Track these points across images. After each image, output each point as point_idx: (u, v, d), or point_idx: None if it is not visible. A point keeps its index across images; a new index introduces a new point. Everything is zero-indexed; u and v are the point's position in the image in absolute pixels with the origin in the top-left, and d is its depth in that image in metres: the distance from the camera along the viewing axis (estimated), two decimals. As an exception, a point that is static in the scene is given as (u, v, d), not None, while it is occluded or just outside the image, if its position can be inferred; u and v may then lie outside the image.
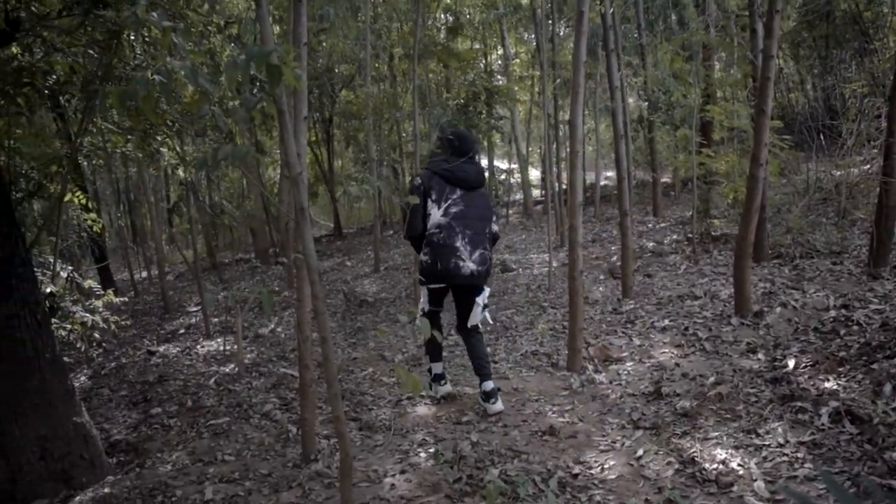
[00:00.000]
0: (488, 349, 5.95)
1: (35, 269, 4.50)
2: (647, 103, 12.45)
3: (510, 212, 16.48)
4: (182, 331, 8.85)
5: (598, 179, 15.55)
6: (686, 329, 5.82)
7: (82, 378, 6.52)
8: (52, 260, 4.87)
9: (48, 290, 4.44)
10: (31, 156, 4.42)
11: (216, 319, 9.01)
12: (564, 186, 12.83)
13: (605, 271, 8.58)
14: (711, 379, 4.61)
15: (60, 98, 5.13)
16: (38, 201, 4.71)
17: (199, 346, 7.68)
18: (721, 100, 11.37)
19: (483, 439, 4.03)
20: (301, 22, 3.63)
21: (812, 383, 4.25)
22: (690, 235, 9.87)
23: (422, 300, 4.61)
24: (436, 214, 4.41)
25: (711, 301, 6.48)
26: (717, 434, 3.76)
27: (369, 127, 13.51)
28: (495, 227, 4.69)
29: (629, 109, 13.82)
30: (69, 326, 5.00)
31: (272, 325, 8.29)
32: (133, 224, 21.82)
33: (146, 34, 4.49)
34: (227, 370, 6.41)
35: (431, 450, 3.94)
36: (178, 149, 5.32)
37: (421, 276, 4.52)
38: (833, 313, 5.62)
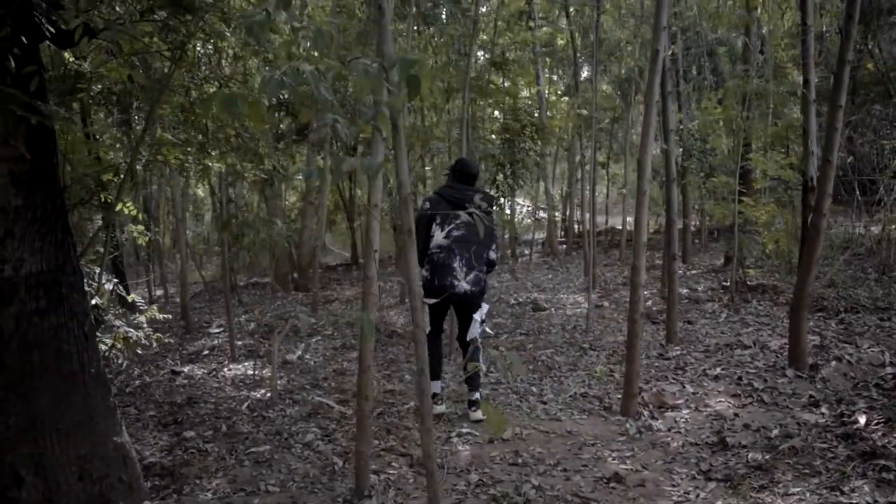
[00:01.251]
0: (533, 388, 5.78)
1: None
2: (681, 150, 12.33)
3: (531, 251, 16.28)
4: (206, 352, 8.65)
5: (626, 224, 15.36)
6: (740, 379, 5.62)
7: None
8: (97, 271, 4.68)
9: (93, 302, 4.26)
10: (83, 163, 4.28)
11: (240, 343, 8.81)
12: (587, 228, 12.68)
13: (641, 315, 8.36)
14: (776, 431, 4.42)
15: (113, 107, 5.04)
16: (87, 210, 4.54)
17: (225, 369, 7.47)
18: (756, 150, 11.27)
19: (545, 483, 3.83)
20: (387, 40, 3.50)
21: (887, 441, 4.06)
22: (726, 283, 9.69)
23: (426, 326, 4.66)
24: (438, 236, 4.90)
25: (762, 351, 6.28)
26: (798, 490, 3.57)
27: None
28: (493, 255, 5.09)
29: (655, 155, 13.71)
30: (110, 341, 4.82)
31: (300, 352, 8.08)
32: (149, 241, 21.74)
33: (211, 45, 4.38)
34: (259, 396, 6.20)
35: (491, 492, 3.73)
36: (239, 164, 5.15)
37: (424, 294, 4.71)
38: (891, 370, 5.46)
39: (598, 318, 8.53)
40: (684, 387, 5.56)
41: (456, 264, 4.82)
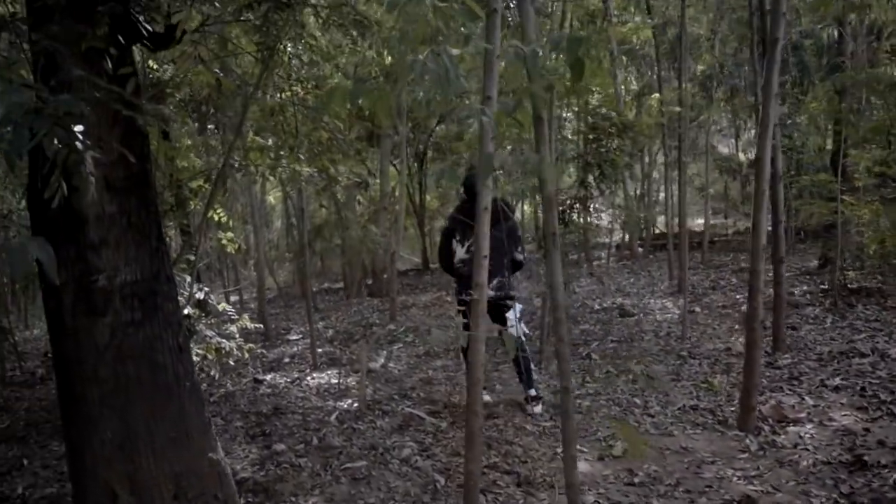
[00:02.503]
0: (636, 399, 5.46)
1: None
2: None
3: (608, 254, 15.79)
4: (287, 360, 8.54)
5: (707, 223, 14.80)
6: (863, 390, 5.18)
7: (213, 373, 6.21)
8: (188, 279, 4.54)
9: (185, 311, 4.12)
10: (176, 169, 4.14)
11: (320, 350, 8.68)
12: (672, 229, 12.19)
13: (737, 321, 7.91)
14: (918, 450, 3.99)
15: (192, 113, 4.92)
16: (174, 216, 4.40)
17: (308, 378, 7.33)
18: (850, 145, 10.65)
19: (670, 507, 3.50)
20: (495, 36, 3.24)
21: None
22: (824, 286, 9.14)
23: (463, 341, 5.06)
24: (460, 252, 5.34)
25: (882, 360, 5.80)
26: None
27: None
28: (519, 256, 5.37)
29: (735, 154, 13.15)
30: (202, 352, 4.67)
31: (382, 360, 7.89)
32: (238, 247, 21.98)
33: (302, 44, 4.19)
34: (346, 406, 6.01)
35: (611, 516, 3.43)
36: (332, 167, 4.95)
37: (456, 303, 5.37)
38: None
39: (692, 323, 8.11)
40: (803, 399, 5.14)
41: None
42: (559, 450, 4.43)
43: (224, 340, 4.79)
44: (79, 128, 2.40)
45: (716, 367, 6.16)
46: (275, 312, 13.67)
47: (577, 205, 7.68)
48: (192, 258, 4.34)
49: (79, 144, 2.32)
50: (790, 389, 5.37)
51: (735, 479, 3.88)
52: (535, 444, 4.64)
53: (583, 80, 1.77)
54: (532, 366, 5.43)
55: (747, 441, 4.41)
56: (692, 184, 18.16)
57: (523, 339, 5.27)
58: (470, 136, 18.55)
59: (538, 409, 5.26)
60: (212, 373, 4.93)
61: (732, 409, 5.01)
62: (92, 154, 2.62)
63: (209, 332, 4.70)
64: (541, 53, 1.80)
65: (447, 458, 4.43)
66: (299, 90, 4.54)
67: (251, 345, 5.67)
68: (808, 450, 4.24)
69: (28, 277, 5.05)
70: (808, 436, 4.46)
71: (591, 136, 7.63)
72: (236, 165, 4.19)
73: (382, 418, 5.54)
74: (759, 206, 4.69)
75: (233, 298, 16.27)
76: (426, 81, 1.71)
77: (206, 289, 4.91)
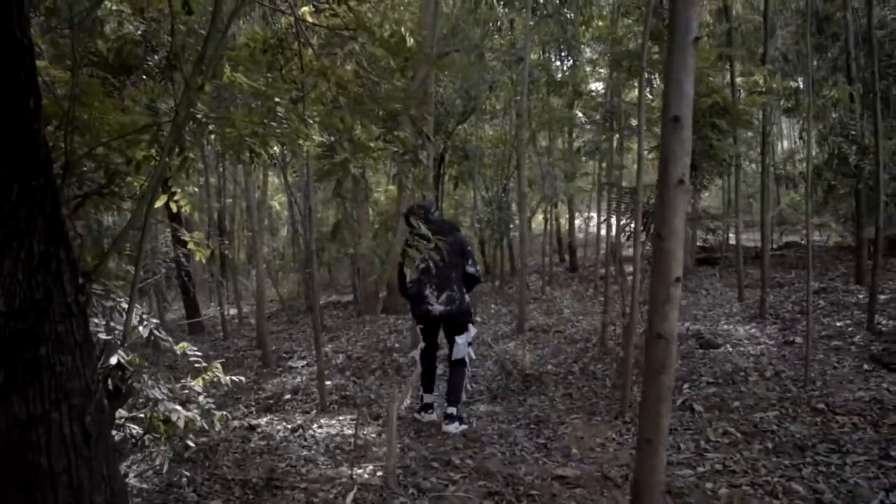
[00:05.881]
0: (794, 483, 3.77)
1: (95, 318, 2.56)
2: (854, 147, 10.06)
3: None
4: (287, 395, 6.87)
5: (809, 234, 13.05)
6: None
7: (158, 461, 4.53)
8: (123, 304, 2.82)
9: (112, 360, 2.47)
10: (93, 125, 2.51)
11: (330, 383, 7.01)
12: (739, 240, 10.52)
13: (861, 358, 6.19)
14: None
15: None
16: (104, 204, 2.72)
17: (314, 426, 5.66)
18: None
19: None
20: None
21: None
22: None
23: (419, 343, 5.75)
24: (410, 273, 5.57)
25: None
26: None
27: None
28: (470, 269, 5.53)
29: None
30: (138, 430, 2.95)
31: (408, 399, 6.22)
32: (223, 255, 20.34)
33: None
34: (367, 476, 4.35)
35: None
36: (360, 130, 3.17)
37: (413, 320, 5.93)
38: None
39: (795, 357, 6.42)
40: None
41: (427, 291, 5.36)
42: None
43: (178, 408, 3.05)
44: None
45: (881, 431, 4.45)
46: (277, 330, 12.01)
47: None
48: (132, 269, 2.65)
49: None
50: None
51: None
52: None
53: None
54: (464, 386, 5.64)
55: None
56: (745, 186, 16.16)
57: (467, 361, 5.52)
58: (494, 135, 17.04)
59: (452, 427, 5.21)
60: (156, 461, 3.18)
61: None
62: None
63: (157, 393, 2.99)
64: None
65: None
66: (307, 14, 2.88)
67: (225, 413, 3.86)
68: None
69: None
70: None
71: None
72: (203, 119, 2.56)
73: (421, 500, 3.87)
74: None
75: (232, 311, 14.63)
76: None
77: (154, 321, 3.15)
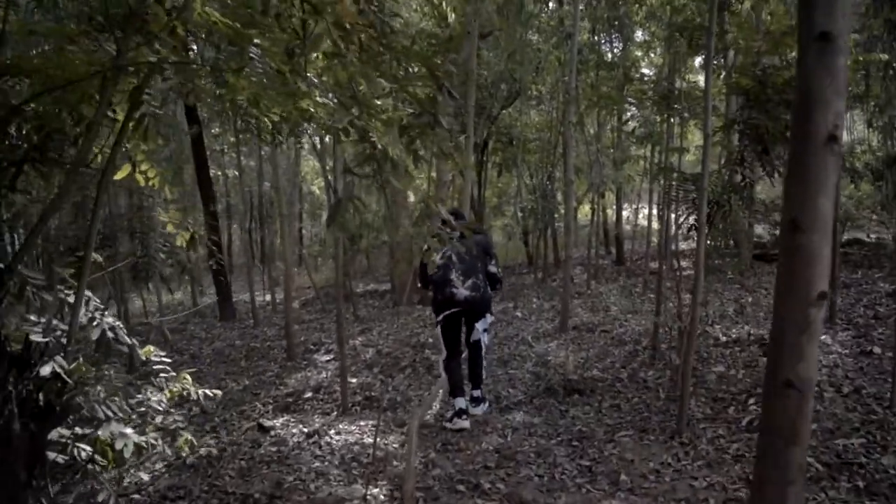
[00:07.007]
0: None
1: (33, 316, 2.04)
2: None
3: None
4: (308, 394, 6.34)
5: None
6: None
7: (101, 497, 4.01)
8: (70, 297, 2.27)
9: (46, 369, 1.94)
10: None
11: (354, 381, 6.48)
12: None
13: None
14: None
15: None
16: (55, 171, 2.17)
17: (332, 431, 5.13)
18: None
19: None
20: None
21: None
22: None
23: (442, 352, 5.39)
24: (436, 260, 5.17)
25: None
26: None
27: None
28: (493, 269, 5.50)
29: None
30: (83, 456, 2.40)
31: (436, 405, 5.64)
32: (262, 241, 20.01)
33: None
34: (382, 497, 3.79)
35: None
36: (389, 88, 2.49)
37: (434, 314, 5.48)
38: None
39: (874, 370, 5.68)
40: None
41: (452, 276, 5.22)
42: None
43: (126, 431, 2.46)
44: None
45: None
46: (309, 319, 11.55)
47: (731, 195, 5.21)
48: (80, 254, 2.12)
49: None
50: None
51: None
52: None
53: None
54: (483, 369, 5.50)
55: None
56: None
57: (483, 347, 5.42)
58: (540, 120, 16.31)
59: (479, 410, 5.31)
60: (99, 499, 2.62)
61: None
62: None
63: (110, 413, 2.41)
64: None
65: None
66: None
67: (189, 436, 3.23)
68: None
69: None
70: None
71: (751, 95, 5.14)
72: (162, 66, 1.95)
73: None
74: None
75: (266, 298, 14.24)
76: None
77: (112, 321, 2.57)
